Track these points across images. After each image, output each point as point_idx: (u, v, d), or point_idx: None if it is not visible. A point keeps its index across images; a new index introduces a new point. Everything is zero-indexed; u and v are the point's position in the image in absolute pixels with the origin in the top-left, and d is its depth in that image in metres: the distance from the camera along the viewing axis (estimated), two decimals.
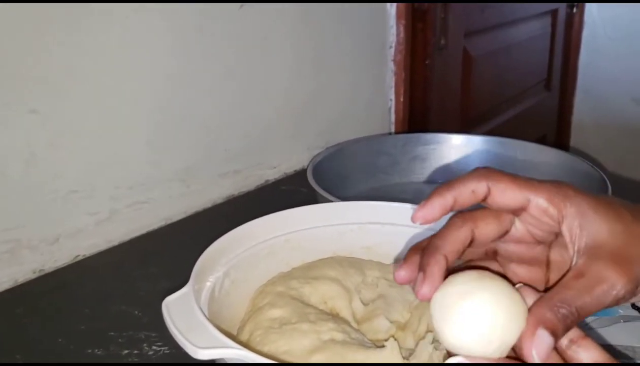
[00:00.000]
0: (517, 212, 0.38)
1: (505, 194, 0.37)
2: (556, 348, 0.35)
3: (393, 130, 1.27)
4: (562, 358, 0.35)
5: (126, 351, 0.60)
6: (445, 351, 0.43)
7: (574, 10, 1.96)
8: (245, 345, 0.45)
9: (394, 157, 0.98)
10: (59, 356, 0.59)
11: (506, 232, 0.40)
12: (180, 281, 0.46)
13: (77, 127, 0.75)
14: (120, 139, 0.80)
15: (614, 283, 0.34)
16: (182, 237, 0.84)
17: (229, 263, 0.52)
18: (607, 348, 0.56)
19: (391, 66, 1.22)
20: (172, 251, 0.80)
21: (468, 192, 0.38)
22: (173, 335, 0.40)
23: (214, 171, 0.94)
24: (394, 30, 1.20)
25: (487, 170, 0.38)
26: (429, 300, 0.36)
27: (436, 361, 0.44)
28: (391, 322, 0.51)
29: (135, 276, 0.74)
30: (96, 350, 0.60)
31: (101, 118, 0.77)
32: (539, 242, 0.40)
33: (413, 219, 0.39)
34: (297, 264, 0.58)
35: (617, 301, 0.35)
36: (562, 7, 1.90)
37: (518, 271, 0.41)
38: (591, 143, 2.00)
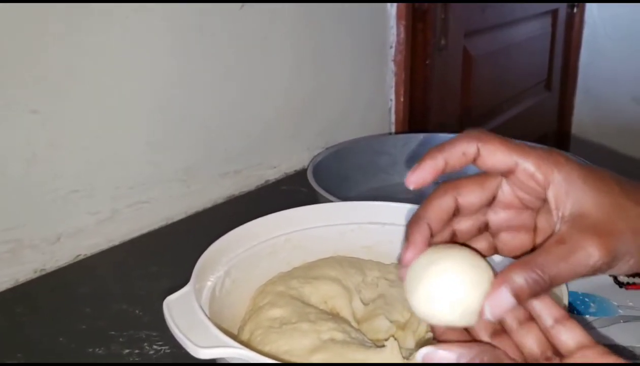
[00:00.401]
0: (505, 174, 0.38)
1: (495, 156, 0.37)
2: (542, 330, 0.35)
3: (393, 130, 1.27)
4: (546, 337, 0.35)
5: (127, 351, 0.60)
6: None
7: (575, 10, 1.96)
8: (246, 345, 0.45)
9: (394, 157, 0.99)
10: (60, 356, 0.59)
11: (493, 198, 0.40)
12: (180, 281, 0.46)
13: (77, 127, 0.75)
14: (120, 139, 0.80)
15: (591, 254, 0.34)
16: (183, 237, 0.84)
17: (229, 263, 0.52)
18: (614, 348, 0.57)
19: (391, 66, 1.23)
20: (172, 251, 0.80)
21: (459, 153, 0.38)
22: (174, 334, 0.40)
23: (215, 171, 0.94)
24: (394, 31, 1.20)
25: (478, 131, 0.38)
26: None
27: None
28: (391, 322, 0.51)
29: (136, 276, 0.74)
30: (97, 349, 0.60)
31: (101, 118, 0.77)
32: (526, 207, 0.40)
33: (407, 184, 0.39)
34: (297, 264, 0.58)
35: (593, 272, 0.35)
36: (562, 7, 1.90)
37: (507, 239, 0.41)
38: (591, 143, 2.00)
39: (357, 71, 1.16)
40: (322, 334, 0.46)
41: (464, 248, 0.37)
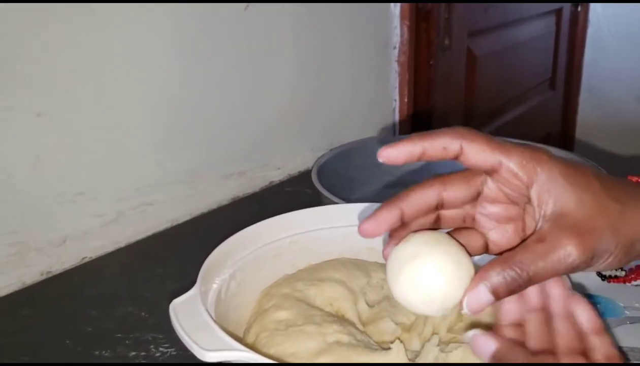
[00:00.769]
0: (489, 173, 0.39)
1: (478, 155, 0.38)
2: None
3: (397, 131, 1.27)
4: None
5: (133, 353, 0.60)
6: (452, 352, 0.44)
7: (579, 9, 1.96)
8: (252, 347, 0.46)
9: None
10: (67, 358, 0.60)
11: (478, 194, 0.41)
12: (186, 283, 0.46)
13: (82, 129, 0.75)
14: (125, 141, 0.80)
15: (570, 253, 0.35)
16: (188, 238, 0.84)
17: (234, 265, 0.52)
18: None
19: (395, 66, 1.23)
20: (177, 253, 0.80)
21: (439, 147, 0.38)
22: (180, 338, 0.40)
23: (219, 172, 0.94)
24: (397, 31, 1.20)
25: (464, 129, 0.38)
26: (367, 235, 0.39)
27: (442, 362, 0.44)
28: (396, 324, 0.51)
29: (142, 278, 0.74)
30: (103, 352, 0.60)
31: (106, 120, 0.78)
32: (513, 203, 0.40)
33: (378, 156, 0.39)
34: (302, 266, 0.58)
35: (572, 270, 0.36)
36: (566, 6, 1.90)
37: (497, 237, 0.41)
38: (596, 142, 2.00)
39: (361, 72, 1.16)
40: (327, 336, 0.47)
41: (450, 242, 0.39)
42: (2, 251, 0.70)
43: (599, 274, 0.66)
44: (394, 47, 1.21)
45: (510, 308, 0.39)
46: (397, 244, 0.39)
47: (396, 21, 1.20)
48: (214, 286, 0.49)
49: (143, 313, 0.66)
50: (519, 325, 0.39)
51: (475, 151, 0.38)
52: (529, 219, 0.40)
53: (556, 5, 1.85)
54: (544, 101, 1.90)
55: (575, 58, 2.01)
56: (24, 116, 0.70)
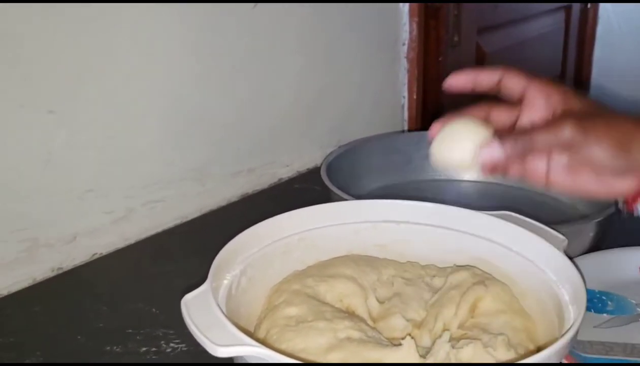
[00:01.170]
0: (521, 98, 0.52)
1: (512, 79, 0.52)
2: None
3: (406, 127, 1.26)
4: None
5: (144, 349, 0.60)
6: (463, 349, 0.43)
7: (588, 6, 1.95)
8: (262, 343, 0.46)
9: (407, 155, 0.98)
10: (79, 354, 0.60)
11: (516, 120, 0.53)
12: (196, 279, 0.46)
13: (92, 126, 0.76)
14: (134, 138, 0.81)
15: (564, 125, 0.45)
16: (197, 235, 0.84)
17: (245, 261, 0.52)
18: (611, 346, 0.57)
19: (404, 63, 1.22)
20: (187, 249, 0.80)
21: (487, 75, 0.53)
22: (192, 333, 0.40)
23: (228, 169, 0.94)
24: (406, 28, 1.20)
25: (504, 66, 0.53)
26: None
27: (453, 359, 0.44)
28: (407, 320, 0.51)
29: (152, 274, 0.75)
30: (115, 347, 0.60)
31: (116, 118, 0.78)
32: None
33: (445, 85, 0.55)
34: (312, 263, 0.58)
35: (568, 146, 0.46)
36: (576, 3, 1.89)
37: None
38: None
39: (370, 68, 1.16)
40: (338, 332, 0.46)
41: (478, 122, 0.51)
42: (13, 247, 0.71)
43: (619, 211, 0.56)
44: (403, 44, 1.21)
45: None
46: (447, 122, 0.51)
47: (405, 18, 1.20)
48: (225, 282, 0.49)
49: (153, 309, 0.67)
50: None
51: (510, 77, 0.52)
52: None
53: (565, 2, 1.84)
54: None
55: (585, 55, 2.00)
56: (36, 113, 0.70)
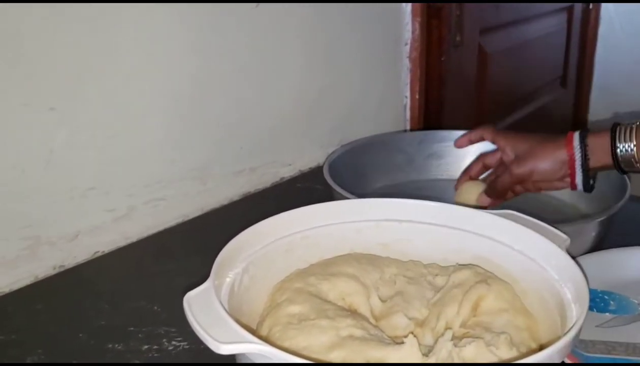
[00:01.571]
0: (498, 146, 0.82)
1: (487, 136, 0.83)
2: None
3: (408, 127, 1.26)
4: None
5: (146, 347, 0.60)
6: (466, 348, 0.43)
7: (590, 6, 1.94)
8: (265, 341, 0.46)
9: (410, 154, 0.98)
10: (81, 352, 0.60)
11: (500, 158, 0.81)
12: (197, 277, 0.46)
13: (94, 125, 0.76)
14: (136, 136, 0.81)
15: (508, 152, 0.78)
16: (199, 234, 0.84)
17: (247, 259, 0.52)
18: (613, 345, 0.57)
19: (406, 62, 1.22)
20: (188, 248, 0.80)
21: (478, 135, 0.85)
22: (195, 330, 0.40)
23: (230, 168, 0.94)
24: (409, 27, 1.20)
25: (486, 127, 0.84)
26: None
27: (455, 358, 0.44)
28: (409, 319, 0.51)
29: (154, 272, 0.75)
30: (116, 345, 0.60)
31: (117, 116, 0.78)
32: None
33: (455, 145, 0.90)
34: (314, 261, 0.58)
35: (512, 173, 0.75)
36: (578, 3, 1.89)
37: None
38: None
39: (372, 68, 1.16)
40: (340, 330, 0.46)
41: (481, 183, 0.82)
42: (15, 245, 0.71)
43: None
44: (406, 44, 1.21)
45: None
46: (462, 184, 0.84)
47: (407, 18, 1.20)
48: (227, 279, 0.49)
49: (155, 307, 0.67)
50: None
51: (486, 134, 0.83)
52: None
53: (567, 3, 1.84)
54: (555, 99, 1.89)
55: (587, 55, 2.00)
56: (37, 112, 0.70)
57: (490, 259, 0.56)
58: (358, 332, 0.46)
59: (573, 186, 0.74)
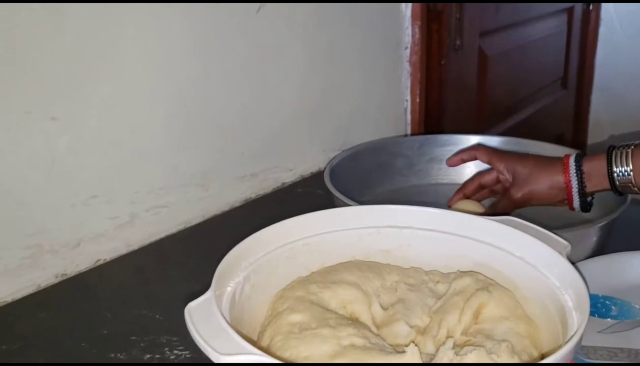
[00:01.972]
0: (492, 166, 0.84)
1: (481, 157, 0.85)
2: None
3: (409, 131, 1.26)
4: None
5: (148, 356, 0.60)
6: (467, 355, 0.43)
7: (590, 7, 1.94)
8: (266, 351, 0.46)
9: (410, 159, 0.98)
10: (82, 361, 0.60)
11: (497, 179, 0.83)
12: (199, 285, 0.46)
13: (95, 132, 0.76)
14: (138, 143, 0.81)
15: (505, 173, 0.80)
16: (201, 240, 0.84)
17: (248, 268, 0.52)
18: (615, 351, 0.56)
19: (407, 66, 1.22)
20: (191, 255, 0.80)
21: (471, 154, 0.87)
22: (196, 341, 0.40)
23: (231, 174, 0.94)
24: (409, 31, 1.20)
25: (479, 147, 0.87)
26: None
27: None
28: (411, 327, 0.51)
29: (156, 280, 0.75)
30: (119, 354, 0.60)
31: (119, 123, 0.78)
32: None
33: (447, 163, 0.90)
34: (316, 268, 0.58)
35: (512, 198, 0.78)
36: (578, 5, 1.89)
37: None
38: (608, 141, 1.98)
39: (372, 72, 1.16)
40: (342, 340, 0.46)
41: (476, 203, 0.82)
42: (18, 254, 0.71)
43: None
44: (406, 48, 1.21)
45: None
46: (456, 201, 0.83)
47: (407, 22, 1.20)
48: (229, 289, 0.49)
49: (157, 316, 0.67)
50: None
51: (479, 155, 0.85)
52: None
53: (567, 4, 1.84)
54: (556, 100, 1.89)
55: (588, 57, 2.00)
56: (41, 120, 0.70)
57: (491, 265, 0.56)
58: (359, 341, 0.46)
59: (571, 208, 0.76)
